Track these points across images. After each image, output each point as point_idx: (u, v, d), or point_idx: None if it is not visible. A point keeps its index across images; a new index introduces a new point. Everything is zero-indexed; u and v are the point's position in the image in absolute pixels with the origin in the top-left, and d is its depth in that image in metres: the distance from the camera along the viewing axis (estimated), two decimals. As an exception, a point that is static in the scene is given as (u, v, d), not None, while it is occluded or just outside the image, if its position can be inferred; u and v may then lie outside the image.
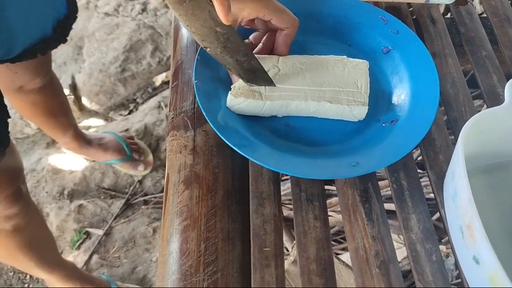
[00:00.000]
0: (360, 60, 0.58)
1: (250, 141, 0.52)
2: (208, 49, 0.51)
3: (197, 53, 0.56)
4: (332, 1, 0.64)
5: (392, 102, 0.58)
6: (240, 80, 0.55)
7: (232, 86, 0.55)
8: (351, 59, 0.58)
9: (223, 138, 0.50)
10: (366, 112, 0.55)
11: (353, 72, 0.57)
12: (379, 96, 0.59)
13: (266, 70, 0.55)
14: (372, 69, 0.60)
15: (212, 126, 0.51)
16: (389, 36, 0.62)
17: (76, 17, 0.89)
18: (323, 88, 0.55)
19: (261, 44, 0.58)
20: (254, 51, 0.58)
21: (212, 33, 0.49)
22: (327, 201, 0.99)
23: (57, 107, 1.19)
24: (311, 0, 0.64)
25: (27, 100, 1.09)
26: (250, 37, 0.59)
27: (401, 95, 0.58)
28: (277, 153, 0.52)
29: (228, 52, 0.51)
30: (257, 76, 0.54)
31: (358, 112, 0.55)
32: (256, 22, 0.57)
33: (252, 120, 0.55)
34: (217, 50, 0.51)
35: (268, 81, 0.55)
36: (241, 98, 0.53)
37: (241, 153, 0.49)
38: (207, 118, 0.51)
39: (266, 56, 0.57)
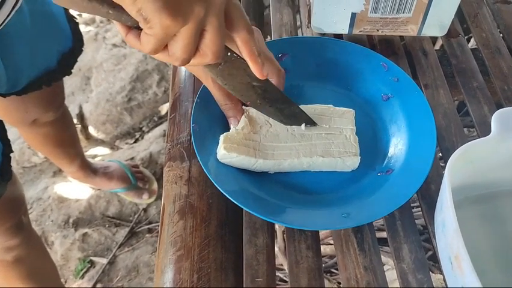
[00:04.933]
0: (346, 108, 0.58)
1: (243, 188, 0.52)
2: (248, 102, 0.54)
3: (197, 96, 0.57)
4: (333, 45, 0.64)
5: (389, 151, 0.58)
6: (232, 130, 0.55)
7: (223, 137, 0.54)
8: (337, 107, 0.58)
9: (216, 184, 0.50)
10: (359, 162, 0.55)
11: (339, 121, 0.57)
12: (377, 144, 0.58)
13: (259, 126, 0.56)
14: (371, 116, 0.60)
15: (205, 171, 0.51)
16: (389, 84, 0.61)
17: (82, 50, 0.92)
18: (313, 142, 0.55)
19: None
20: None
21: (250, 88, 0.52)
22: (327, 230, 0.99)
23: (68, 138, 1.22)
24: (312, 44, 0.64)
25: (40, 132, 1.11)
26: None
27: (398, 144, 0.57)
28: (270, 201, 0.52)
29: (267, 102, 0.54)
30: (298, 119, 0.56)
31: (351, 163, 0.55)
32: None
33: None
34: (256, 102, 0.54)
35: (310, 122, 0.56)
36: (233, 153, 0.53)
37: (233, 201, 0.49)
38: (200, 163, 0.52)
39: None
